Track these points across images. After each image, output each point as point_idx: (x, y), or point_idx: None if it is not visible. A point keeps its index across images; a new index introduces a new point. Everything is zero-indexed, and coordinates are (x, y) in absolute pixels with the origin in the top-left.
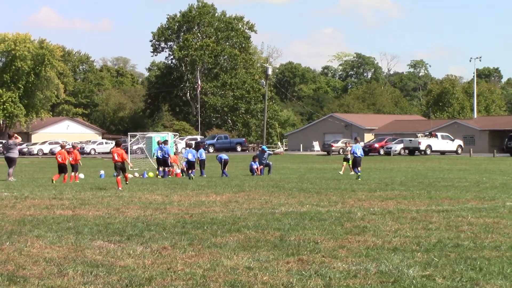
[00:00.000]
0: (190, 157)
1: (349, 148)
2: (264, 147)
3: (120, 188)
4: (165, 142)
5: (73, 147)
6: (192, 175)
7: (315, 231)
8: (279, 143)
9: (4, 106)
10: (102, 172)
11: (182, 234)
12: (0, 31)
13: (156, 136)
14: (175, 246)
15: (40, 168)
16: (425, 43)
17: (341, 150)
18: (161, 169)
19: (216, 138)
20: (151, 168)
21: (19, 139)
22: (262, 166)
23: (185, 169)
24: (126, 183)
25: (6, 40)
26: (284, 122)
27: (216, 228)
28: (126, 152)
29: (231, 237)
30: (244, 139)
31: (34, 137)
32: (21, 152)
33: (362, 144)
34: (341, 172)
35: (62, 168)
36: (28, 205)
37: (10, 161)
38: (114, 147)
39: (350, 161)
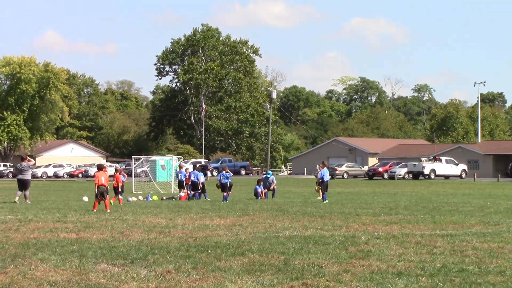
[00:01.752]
0: (192, 178)
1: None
2: (269, 172)
3: (95, 210)
4: (196, 167)
5: (116, 170)
6: (204, 197)
7: (320, 255)
8: (283, 166)
9: (9, 129)
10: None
11: (186, 257)
12: (5, 54)
13: (160, 160)
14: (179, 269)
15: (44, 191)
16: (430, 68)
17: (344, 174)
18: (192, 192)
19: (220, 162)
20: (155, 191)
21: (32, 162)
22: (266, 190)
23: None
24: (107, 211)
25: (11, 63)
26: (288, 146)
27: (220, 252)
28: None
29: (235, 261)
30: (248, 162)
31: (39, 160)
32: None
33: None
34: (320, 198)
35: (103, 193)
36: (32, 228)
37: (23, 184)
38: (97, 170)
39: (317, 185)
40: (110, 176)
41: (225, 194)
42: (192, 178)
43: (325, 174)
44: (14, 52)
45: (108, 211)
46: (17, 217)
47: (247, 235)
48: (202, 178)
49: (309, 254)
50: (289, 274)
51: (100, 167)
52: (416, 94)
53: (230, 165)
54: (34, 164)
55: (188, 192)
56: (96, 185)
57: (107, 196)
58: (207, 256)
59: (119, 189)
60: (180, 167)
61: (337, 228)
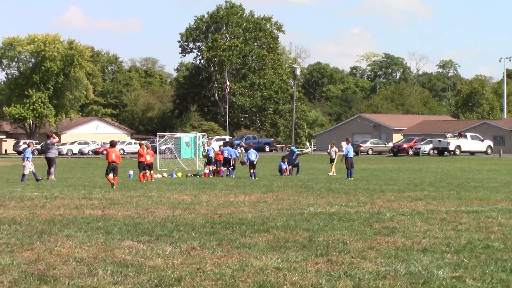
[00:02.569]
0: (226, 154)
1: (334, 149)
2: (293, 148)
3: (114, 187)
4: (232, 145)
5: (140, 145)
6: (229, 173)
7: (344, 232)
8: (307, 143)
9: (34, 107)
10: (131, 172)
11: (211, 234)
12: (29, 32)
13: (185, 137)
14: (204, 246)
15: (69, 168)
16: (454, 43)
17: (369, 151)
18: (223, 169)
19: (244, 138)
20: (180, 168)
21: (56, 139)
22: (291, 167)
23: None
24: (113, 187)
25: (36, 41)
26: (313, 123)
27: (245, 229)
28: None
29: (260, 238)
30: (272, 139)
31: (64, 137)
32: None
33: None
34: (330, 174)
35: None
36: (58, 205)
37: (49, 161)
38: (109, 147)
39: (335, 162)
40: (132, 153)
41: (253, 171)
42: (226, 154)
43: (349, 150)
44: (38, 29)
45: (115, 187)
46: (43, 194)
47: (271, 212)
48: (234, 155)
49: (334, 231)
50: (314, 251)
51: (113, 144)
52: (441, 70)
53: (254, 142)
54: (58, 141)
55: (218, 168)
56: (108, 161)
57: (113, 174)
58: (231, 233)
59: (146, 165)
60: (208, 144)
61: (361, 205)
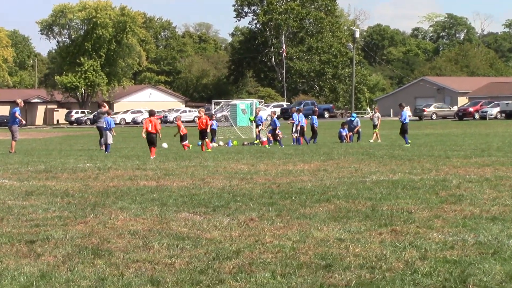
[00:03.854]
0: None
1: (377, 114)
2: (353, 115)
3: (152, 157)
4: (298, 110)
5: (199, 113)
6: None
7: (409, 201)
8: (368, 108)
9: (86, 75)
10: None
11: (270, 205)
12: None
13: (241, 104)
14: (262, 217)
15: (123, 138)
16: None
17: (433, 115)
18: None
19: (302, 105)
20: (236, 136)
21: (106, 108)
22: (351, 133)
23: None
24: (152, 157)
25: (87, 8)
26: (373, 87)
27: (304, 198)
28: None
29: (321, 208)
30: (331, 105)
31: (116, 106)
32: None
33: (408, 108)
34: (371, 141)
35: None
36: (111, 176)
37: (99, 131)
38: (148, 117)
39: (378, 128)
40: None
41: (308, 138)
42: (302, 123)
43: (405, 116)
44: None
45: (153, 157)
46: (96, 165)
47: (332, 181)
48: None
49: (398, 200)
50: (377, 221)
51: (151, 113)
52: (507, 29)
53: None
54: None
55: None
56: (145, 131)
57: (149, 145)
58: (291, 203)
59: (206, 134)
60: (256, 112)
61: (426, 172)
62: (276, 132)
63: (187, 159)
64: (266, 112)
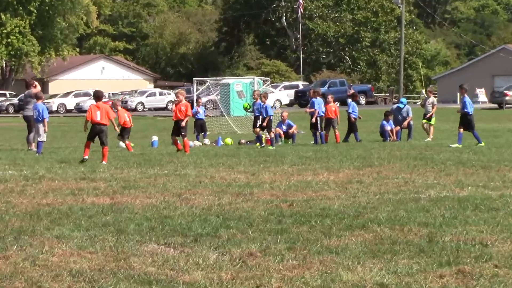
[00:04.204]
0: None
1: (431, 99)
2: (402, 100)
3: (104, 162)
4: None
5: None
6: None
7: (483, 227)
8: (423, 91)
9: (9, 40)
10: (154, 138)
11: (278, 232)
12: None
13: (236, 83)
14: (267, 251)
15: (62, 132)
16: None
17: (510, 101)
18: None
19: (327, 85)
20: (229, 131)
21: (37, 89)
22: (399, 127)
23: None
24: (103, 163)
25: None
26: (431, 59)
27: (329, 224)
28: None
29: (353, 238)
30: (370, 85)
31: (52, 86)
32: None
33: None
34: (429, 139)
35: (99, 135)
36: (45, 189)
37: (26, 122)
38: (94, 102)
39: (434, 119)
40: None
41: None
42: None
43: (468, 105)
44: None
45: (105, 162)
46: (22, 173)
47: (370, 198)
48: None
49: (467, 226)
50: (436, 257)
51: (98, 96)
52: None
53: (343, 90)
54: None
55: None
56: (87, 121)
57: (101, 141)
58: (309, 231)
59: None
60: (255, 98)
61: (509, 186)
62: (264, 124)
63: (157, 164)
64: (274, 96)
